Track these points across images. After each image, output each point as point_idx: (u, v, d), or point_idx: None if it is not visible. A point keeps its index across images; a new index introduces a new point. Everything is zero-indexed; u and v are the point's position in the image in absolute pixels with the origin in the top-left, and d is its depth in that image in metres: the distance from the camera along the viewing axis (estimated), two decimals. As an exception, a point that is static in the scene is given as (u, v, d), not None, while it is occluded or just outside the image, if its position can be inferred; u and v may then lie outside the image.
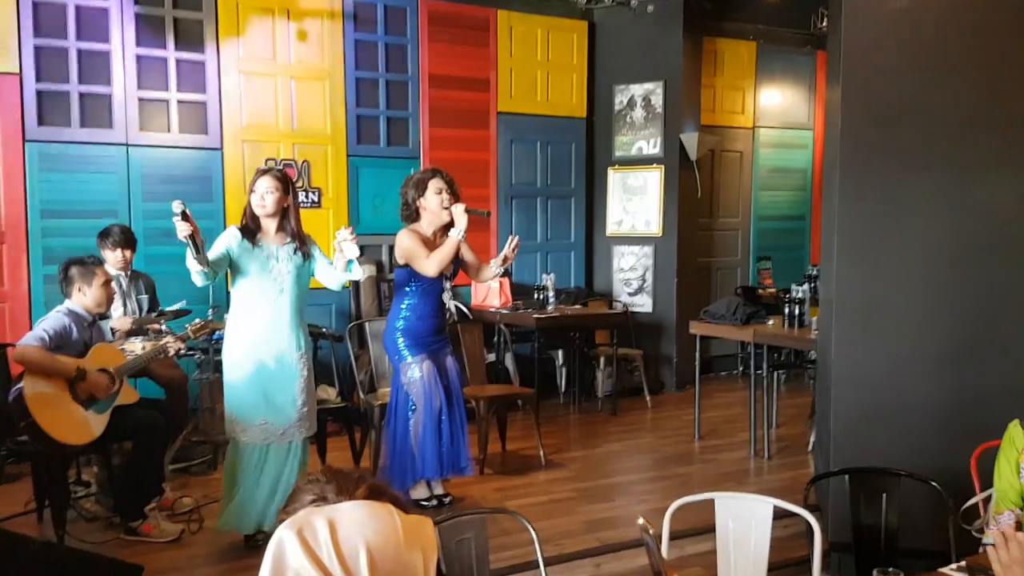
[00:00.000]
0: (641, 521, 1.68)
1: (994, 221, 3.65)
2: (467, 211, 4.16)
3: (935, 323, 3.68)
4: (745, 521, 2.74)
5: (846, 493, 3.04)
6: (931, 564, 2.31)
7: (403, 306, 4.28)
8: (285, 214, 3.89)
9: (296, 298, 3.90)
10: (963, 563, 2.24)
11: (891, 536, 2.95)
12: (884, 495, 2.91)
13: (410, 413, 4.25)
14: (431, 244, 4.23)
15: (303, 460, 3.94)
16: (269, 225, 3.86)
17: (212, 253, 3.78)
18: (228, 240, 3.84)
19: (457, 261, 4.31)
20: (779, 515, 2.76)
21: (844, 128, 3.76)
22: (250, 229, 3.84)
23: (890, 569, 2.00)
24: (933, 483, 2.81)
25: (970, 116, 3.66)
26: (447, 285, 4.32)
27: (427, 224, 4.28)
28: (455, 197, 4.24)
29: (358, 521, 1.16)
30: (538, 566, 2.52)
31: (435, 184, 4.22)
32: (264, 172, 3.89)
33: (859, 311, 3.77)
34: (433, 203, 4.22)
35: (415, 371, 4.23)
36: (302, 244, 3.93)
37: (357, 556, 1.12)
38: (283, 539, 1.14)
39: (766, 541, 2.71)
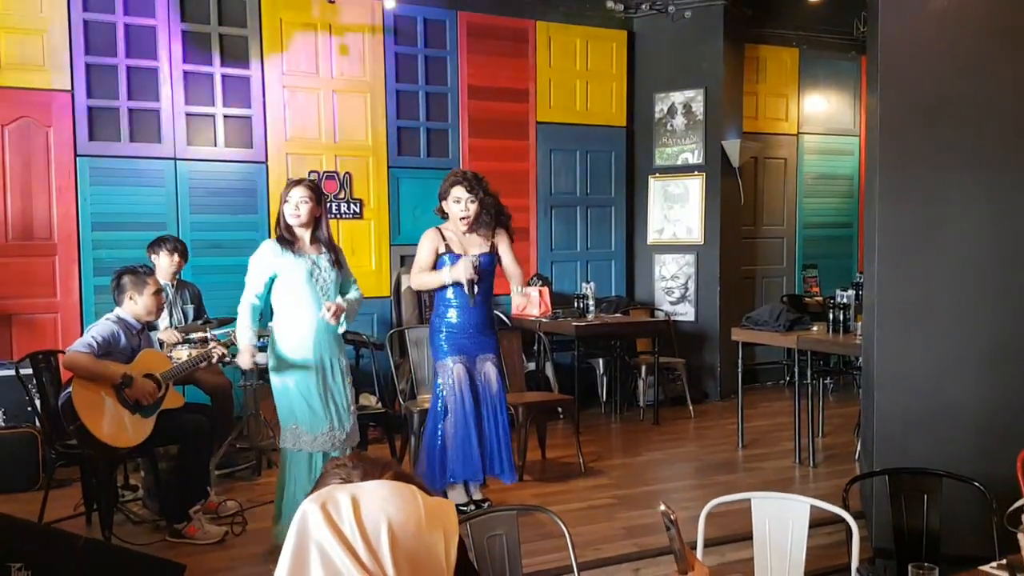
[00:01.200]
0: (663, 507, 1.67)
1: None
2: (468, 275, 4.17)
3: (978, 325, 3.60)
4: (782, 522, 2.70)
5: (887, 496, 2.98)
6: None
7: (441, 304, 4.35)
8: (317, 224, 3.95)
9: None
10: (1003, 560, 2.18)
11: (933, 540, 2.88)
12: (925, 496, 2.84)
13: (440, 415, 4.29)
14: (454, 243, 4.29)
15: None
16: (304, 235, 3.91)
17: (257, 278, 3.87)
18: (268, 258, 3.86)
19: (487, 257, 4.33)
20: (822, 522, 2.72)
21: (884, 129, 3.70)
22: (287, 239, 3.89)
23: (925, 564, 1.96)
24: (975, 483, 2.74)
25: (1011, 116, 3.59)
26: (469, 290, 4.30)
27: (452, 224, 4.34)
28: (480, 205, 4.26)
29: (381, 498, 1.17)
30: (572, 571, 2.51)
31: (456, 192, 4.26)
32: (297, 183, 3.93)
33: (901, 313, 3.70)
34: (452, 210, 4.29)
35: (446, 373, 4.28)
36: (335, 253, 4.00)
37: (379, 532, 1.14)
38: (307, 512, 1.16)
39: (803, 542, 2.66)
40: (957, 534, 2.97)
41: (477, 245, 4.33)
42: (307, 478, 3.84)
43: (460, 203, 4.24)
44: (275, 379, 3.90)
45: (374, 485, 1.20)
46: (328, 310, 3.82)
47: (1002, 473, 3.04)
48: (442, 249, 4.28)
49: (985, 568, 2.18)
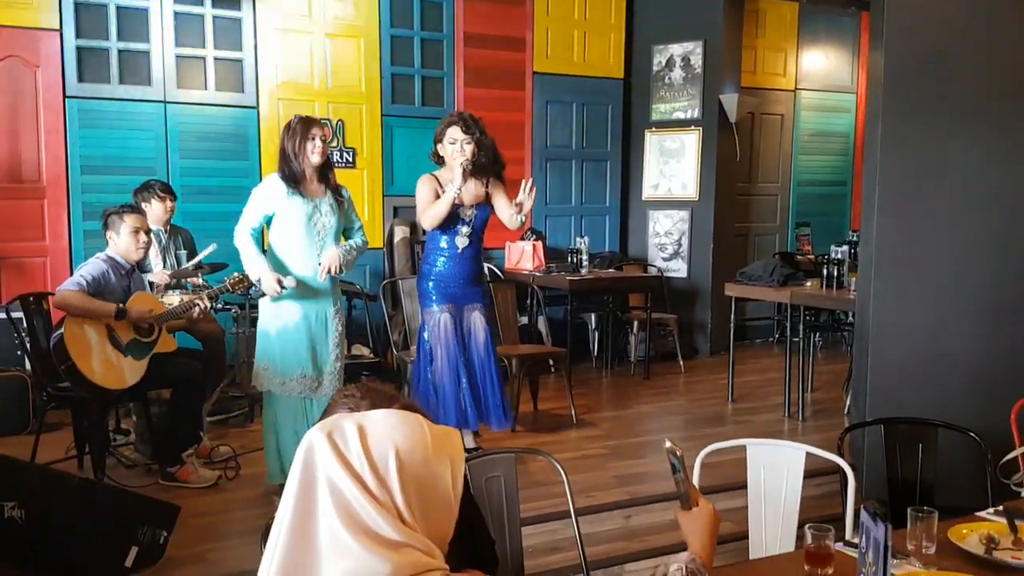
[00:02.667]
0: (668, 444, 1.66)
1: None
2: (465, 166, 4.08)
3: (975, 277, 3.60)
4: (777, 469, 2.71)
5: (881, 447, 3.00)
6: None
7: (432, 253, 4.30)
8: (328, 165, 3.93)
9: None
10: (1000, 507, 2.20)
11: (927, 491, 2.90)
12: (920, 447, 2.86)
13: (427, 362, 4.28)
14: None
15: None
16: (313, 175, 3.88)
17: (255, 212, 3.84)
18: (270, 194, 3.84)
19: (482, 208, 4.28)
20: (812, 473, 2.73)
21: (887, 80, 3.67)
22: (295, 178, 3.83)
23: (924, 508, 1.97)
24: (972, 434, 2.75)
25: (1013, 68, 3.55)
26: (463, 231, 4.25)
27: (448, 169, 4.25)
28: (478, 146, 4.17)
29: (389, 426, 1.15)
30: (569, 516, 2.52)
31: (451, 133, 4.16)
32: (315, 121, 3.90)
33: (899, 265, 3.70)
34: (447, 151, 4.18)
35: (432, 320, 4.26)
36: (339, 195, 3.97)
37: (387, 460, 1.11)
38: (313, 442, 1.13)
39: (798, 489, 2.68)
40: (950, 485, 2.99)
41: (472, 194, 4.27)
42: (292, 419, 3.88)
43: (456, 144, 4.15)
44: (261, 317, 3.94)
45: (381, 414, 1.18)
46: (324, 270, 3.83)
47: (995, 425, 3.06)
48: (440, 192, 4.21)
49: (982, 514, 2.19)
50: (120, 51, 5.73)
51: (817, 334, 7.19)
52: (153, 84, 5.82)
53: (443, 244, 4.26)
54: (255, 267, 3.83)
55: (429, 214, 4.17)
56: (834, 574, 1.87)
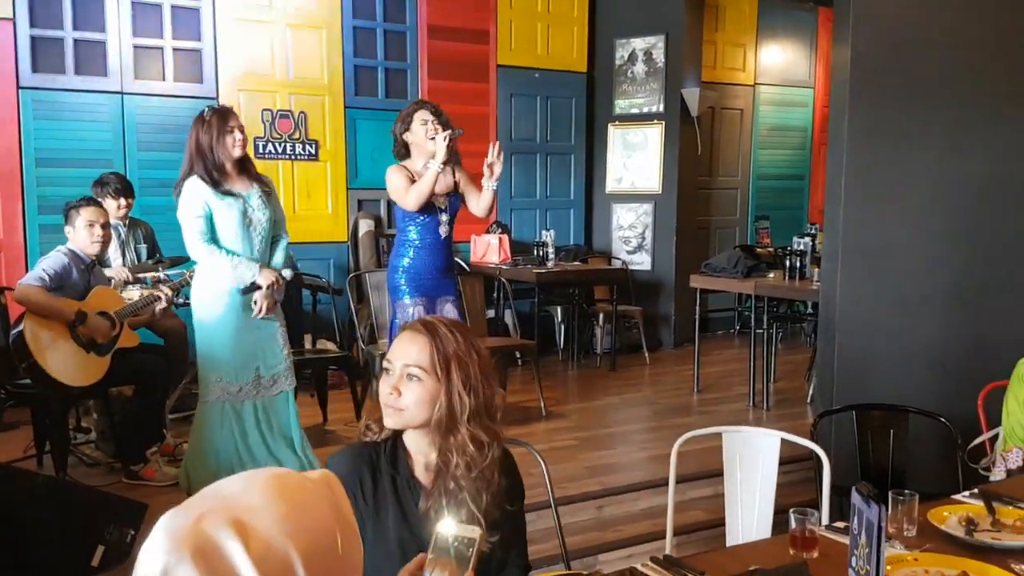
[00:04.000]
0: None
1: (1005, 163, 3.63)
2: (446, 138, 3.98)
3: (941, 265, 3.67)
4: (752, 456, 2.74)
5: (850, 433, 3.05)
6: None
7: (404, 245, 4.23)
8: (245, 155, 3.73)
9: (270, 245, 3.82)
10: (975, 490, 2.24)
11: (898, 476, 2.96)
12: (892, 432, 2.91)
13: None
14: (421, 176, 4.11)
15: (296, 410, 3.98)
16: (234, 169, 3.67)
17: (197, 222, 3.59)
18: (198, 197, 3.57)
19: (454, 196, 4.24)
20: (782, 460, 2.76)
21: (853, 72, 3.72)
22: (214, 177, 3.58)
23: (905, 491, 2.00)
24: (942, 419, 2.81)
25: (977, 59, 3.62)
26: (443, 219, 4.20)
27: (417, 159, 4.18)
28: (445, 127, 4.09)
29: (277, 514, 0.79)
30: (544, 506, 2.51)
31: (420, 115, 4.09)
32: (226, 110, 3.68)
33: (865, 254, 3.76)
34: (419, 134, 4.08)
35: (404, 313, 4.21)
36: (266, 186, 3.79)
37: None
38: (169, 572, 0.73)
39: (773, 475, 2.70)
40: (919, 470, 3.05)
41: (443, 184, 4.22)
42: (219, 432, 3.75)
43: (427, 124, 4.07)
44: (199, 327, 3.74)
45: (259, 494, 0.80)
46: (259, 311, 3.68)
47: (961, 411, 3.13)
48: (413, 180, 4.14)
49: (958, 496, 2.23)
50: (76, 41, 5.58)
51: (776, 325, 7.30)
52: (110, 75, 5.68)
53: (414, 235, 4.20)
54: (243, 270, 3.61)
55: (414, 192, 4.02)
56: (819, 557, 1.89)
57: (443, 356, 1.73)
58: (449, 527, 1.33)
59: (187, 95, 5.94)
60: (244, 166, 3.71)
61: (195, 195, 3.58)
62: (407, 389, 1.73)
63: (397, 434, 1.81)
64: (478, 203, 4.26)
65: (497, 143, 4.16)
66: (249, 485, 0.82)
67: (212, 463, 3.74)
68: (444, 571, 1.29)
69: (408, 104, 4.31)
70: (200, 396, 3.81)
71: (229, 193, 3.61)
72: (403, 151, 4.22)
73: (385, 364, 1.79)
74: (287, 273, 3.82)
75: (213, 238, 3.64)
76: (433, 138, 4.04)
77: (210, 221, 3.60)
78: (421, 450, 1.80)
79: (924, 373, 3.68)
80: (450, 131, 4.02)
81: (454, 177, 4.26)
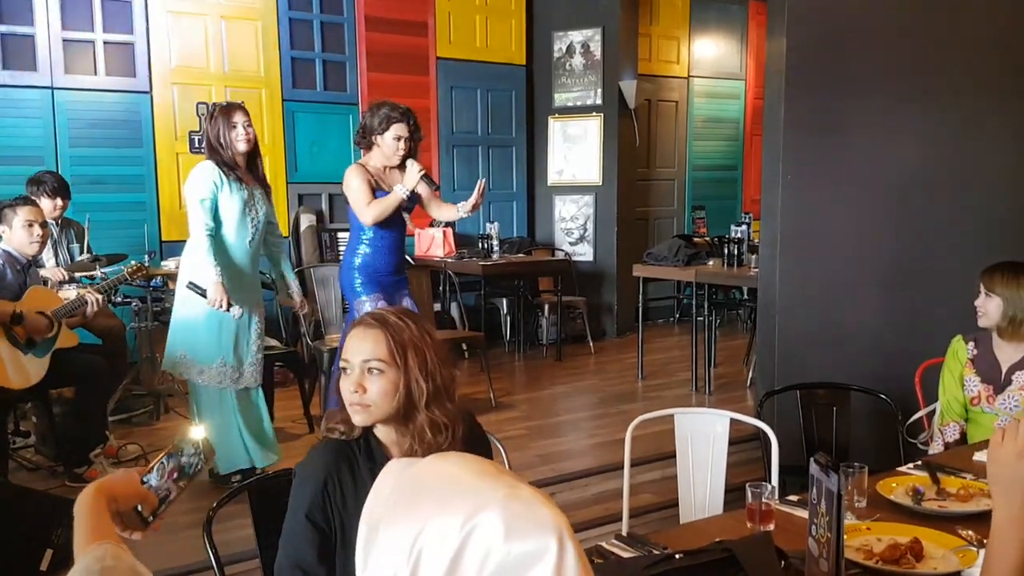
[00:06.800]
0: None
1: (936, 148, 3.78)
2: (420, 174, 4.02)
3: (877, 249, 3.81)
4: (703, 436, 2.82)
5: (794, 412, 3.15)
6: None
7: (359, 243, 4.16)
8: (257, 155, 3.82)
9: (261, 245, 3.89)
10: (919, 462, 2.35)
11: (842, 452, 3.07)
12: (834, 409, 3.02)
13: None
14: (379, 178, 4.11)
15: (266, 406, 4.00)
16: (243, 163, 3.75)
17: (204, 207, 3.63)
18: (208, 180, 3.64)
19: (413, 196, 4.23)
20: (730, 440, 2.84)
21: (789, 61, 3.82)
22: (229, 166, 3.68)
23: (855, 464, 2.09)
24: (882, 395, 2.93)
25: (916, 44, 3.76)
26: (405, 216, 4.22)
27: (377, 159, 4.16)
28: (414, 146, 4.09)
29: None
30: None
31: (397, 129, 4.01)
32: (236, 106, 3.75)
33: (803, 239, 3.88)
34: (389, 147, 4.03)
35: (365, 309, 4.17)
36: (267, 189, 3.90)
37: None
38: None
39: (723, 454, 2.79)
40: (861, 447, 3.17)
41: (399, 182, 4.19)
42: (218, 412, 3.77)
43: (400, 140, 4.01)
44: (179, 306, 3.78)
45: None
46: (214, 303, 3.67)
47: (900, 388, 3.26)
48: (373, 184, 4.11)
49: (903, 469, 2.33)
50: (3, 35, 5.40)
51: (715, 311, 7.46)
52: (39, 69, 5.51)
53: (370, 234, 4.12)
54: (208, 275, 3.63)
55: (373, 212, 4.00)
56: (775, 530, 1.96)
57: (399, 344, 1.75)
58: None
59: (119, 89, 5.80)
60: (253, 162, 3.81)
61: (205, 176, 3.66)
62: (371, 384, 1.74)
63: (368, 430, 1.82)
64: (438, 213, 4.40)
65: (482, 181, 4.25)
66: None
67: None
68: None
69: (391, 104, 4.12)
70: (189, 381, 3.84)
71: (239, 180, 3.70)
72: (367, 144, 4.13)
73: (342, 364, 1.79)
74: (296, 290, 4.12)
75: (214, 229, 3.69)
76: (402, 159, 4.04)
77: (214, 207, 3.67)
78: (394, 440, 1.81)
79: (863, 352, 3.82)
80: (423, 173, 4.03)
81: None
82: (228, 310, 3.65)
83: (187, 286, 3.69)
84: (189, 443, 1.31)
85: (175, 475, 1.28)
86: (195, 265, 3.72)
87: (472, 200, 4.18)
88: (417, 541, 0.87)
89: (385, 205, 4.02)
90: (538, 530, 0.85)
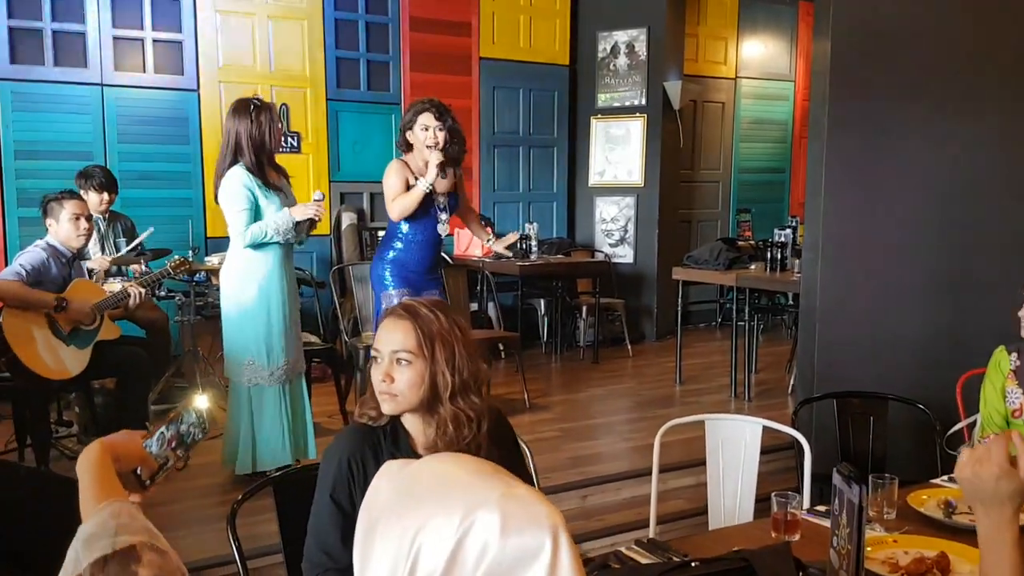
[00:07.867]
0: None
1: (982, 154, 3.67)
2: (439, 166, 4.03)
3: (919, 256, 3.71)
4: (735, 443, 2.77)
5: (831, 421, 3.08)
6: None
7: (394, 238, 4.19)
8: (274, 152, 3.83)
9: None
10: (953, 475, 2.27)
11: (878, 462, 3.00)
12: (871, 419, 2.95)
13: None
14: (420, 175, 4.09)
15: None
16: (269, 161, 3.78)
17: (247, 212, 3.66)
18: (247, 192, 3.65)
19: (453, 196, 4.24)
20: (763, 450, 2.79)
21: (834, 64, 3.75)
22: (261, 169, 3.70)
23: (885, 475, 2.04)
24: (920, 405, 2.85)
25: (957, 50, 3.66)
26: (443, 217, 4.20)
27: (417, 157, 4.17)
28: (450, 133, 4.09)
29: None
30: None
31: (423, 120, 4.06)
32: (272, 105, 3.78)
33: (845, 245, 3.80)
34: (419, 137, 4.08)
35: (393, 303, 4.18)
36: (286, 174, 3.92)
37: None
38: None
39: (755, 462, 2.74)
40: (898, 457, 3.09)
41: (444, 183, 4.19)
42: (275, 411, 3.80)
43: (429, 130, 4.04)
44: (232, 310, 3.76)
45: None
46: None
47: (942, 398, 3.17)
48: (412, 181, 4.10)
49: (937, 481, 2.27)
50: (55, 32, 5.54)
51: (757, 316, 7.35)
52: (89, 66, 5.64)
53: (406, 229, 4.15)
54: (278, 221, 3.65)
55: (398, 206, 4.05)
56: (800, 540, 1.92)
57: (428, 336, 1.76)
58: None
59: (168, 87, 5.91)
60: (272, 159, 3.83)
61: (241, 186, 3.65)
62: (398, 374, 1.76)
63: (396, 418, 1.84)
64: (470, 226, 4.52)
65: (518, 233, 4.41)
66: None
67: (245, 443, 3.80)
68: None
69: (416, 102, 4.21)
70: (231, 380, 3.86)
71: (273, 187, 3.73)
72: (404, 145, 4.19)
73: (373, 353, 1.81)
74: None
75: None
76: (429, 147, 4.04)
77: (254, 213, 3.69)
78: (420, 430, 1.83)
79: (903, 361, 3.72)
80: (440, 160, 4.03)
81: (454, 177, 4.25)
82: (319, 200, 3.74)
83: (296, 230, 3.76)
84: (192, 412, 1.33)
85: (174, 443, 1.30)
86: (237, 270, 3.75)
87: (508, 240, 4.35)
88: (416, 539, 0.90)
89: (407, 201, 4.04)
90: (534, 527, 0.88)
